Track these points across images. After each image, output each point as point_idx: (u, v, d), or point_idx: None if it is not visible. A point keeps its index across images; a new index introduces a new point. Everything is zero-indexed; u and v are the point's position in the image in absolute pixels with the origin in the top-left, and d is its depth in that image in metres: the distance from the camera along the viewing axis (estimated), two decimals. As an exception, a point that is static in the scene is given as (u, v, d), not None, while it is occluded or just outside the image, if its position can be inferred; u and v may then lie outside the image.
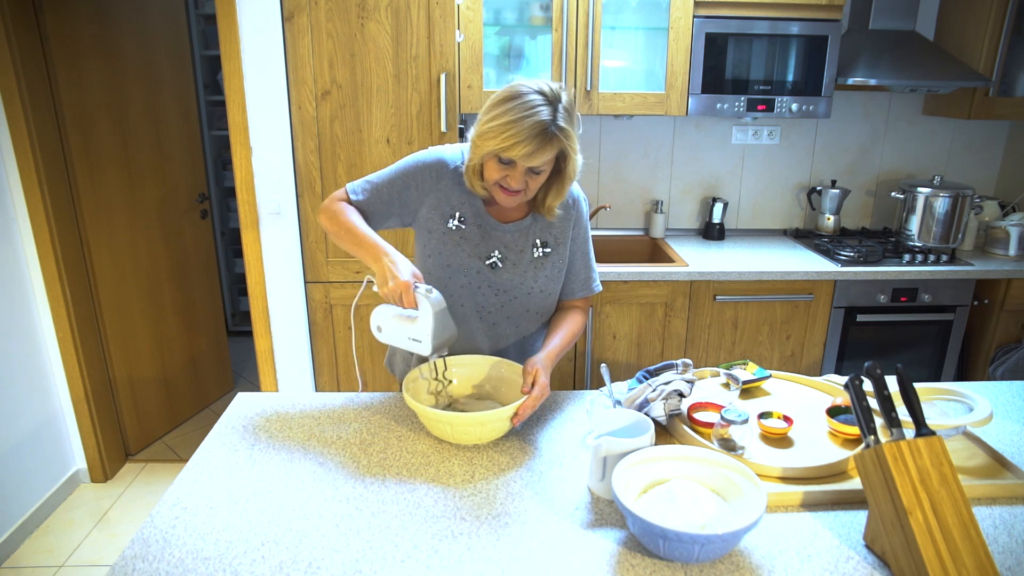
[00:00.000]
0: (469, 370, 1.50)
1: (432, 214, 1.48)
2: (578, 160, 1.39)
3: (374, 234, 1.40)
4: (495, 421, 1.30)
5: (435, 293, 1.31)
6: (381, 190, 1.50)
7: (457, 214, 1.48)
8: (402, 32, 2.31)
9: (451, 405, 1.48)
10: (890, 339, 2.72)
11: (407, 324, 1.35)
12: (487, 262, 1.49)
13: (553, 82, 1.35)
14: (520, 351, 1.59)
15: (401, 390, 1.56)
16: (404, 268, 1.31)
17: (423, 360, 1.53)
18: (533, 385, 1.35)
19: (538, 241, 1.51)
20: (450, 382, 1.48)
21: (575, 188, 1.56)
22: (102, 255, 2.80)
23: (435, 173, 1.48)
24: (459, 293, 1.50)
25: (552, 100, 1.31)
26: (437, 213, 1.48)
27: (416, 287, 1.30)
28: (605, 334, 2.60)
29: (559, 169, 1.41)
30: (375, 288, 1.35)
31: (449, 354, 1.43)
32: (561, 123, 1.31)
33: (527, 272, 1.51)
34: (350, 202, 1.49)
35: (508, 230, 1.50)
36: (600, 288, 1.64)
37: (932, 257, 2.69)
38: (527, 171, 1.35)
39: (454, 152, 1.50)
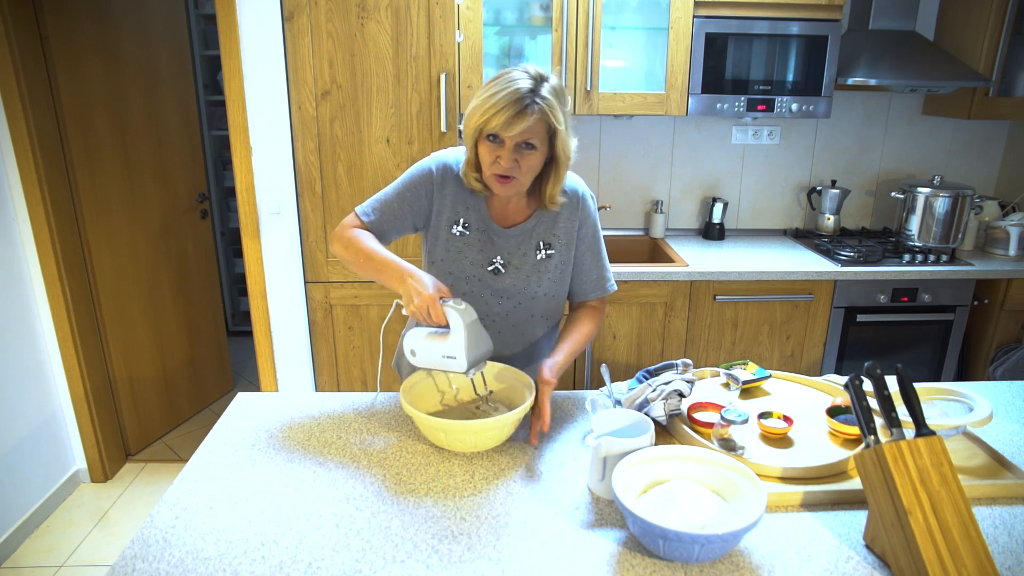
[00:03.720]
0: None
1: (439, 220, 1.48)
2: (572, 142, 1.38)
3: (394, 256, 1.37)
4: (490, 430, 1.28)
5: (464, 304, 1.28)
6: (392, 205, 1.48)
7: (461, 220, 1.47)
8: (402, 32, 2.31)
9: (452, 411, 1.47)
10: (890, 339, 2.72)
11: (440, 342, 1.30)
12: (489, 268, 1.48)
13: (543, 68, 1.35)
14: (527, 357, 1.58)
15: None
16: (429, 283, 1.30)
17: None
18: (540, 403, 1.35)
19: (541, 243, 1.50)
20: (491, 392, 1.44)
21: (581, 186, 1.54)
22: (102, 255, 2.80)
23: (440, 177, 1.47)
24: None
25: (535, 78, 1.31)
26: (444, 219, 1.47)
27: (444, 301, 1.28)
28: (605, 334, 2.60)
29: (553, 154, 1.39)
30: (404, 312, 1.33)
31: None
32: (544, 94, 1.30)
33: (530, 276, 1.50)
34: (363, 225, 1.47)
35: (511, 235, 1.49)
36: (615, 288, 1.60)
37: (932, 257, 2.69)
38: (516, 148, 1.33)
39: (457, 155, 1.49)
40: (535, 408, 1.36)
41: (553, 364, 1.41)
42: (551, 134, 1.35)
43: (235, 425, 1.43)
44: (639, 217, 3.12)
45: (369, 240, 1.43)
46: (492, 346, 1.36)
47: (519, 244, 1.49)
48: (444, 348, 1.30)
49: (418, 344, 1.34)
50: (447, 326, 1.29)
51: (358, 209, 1.50)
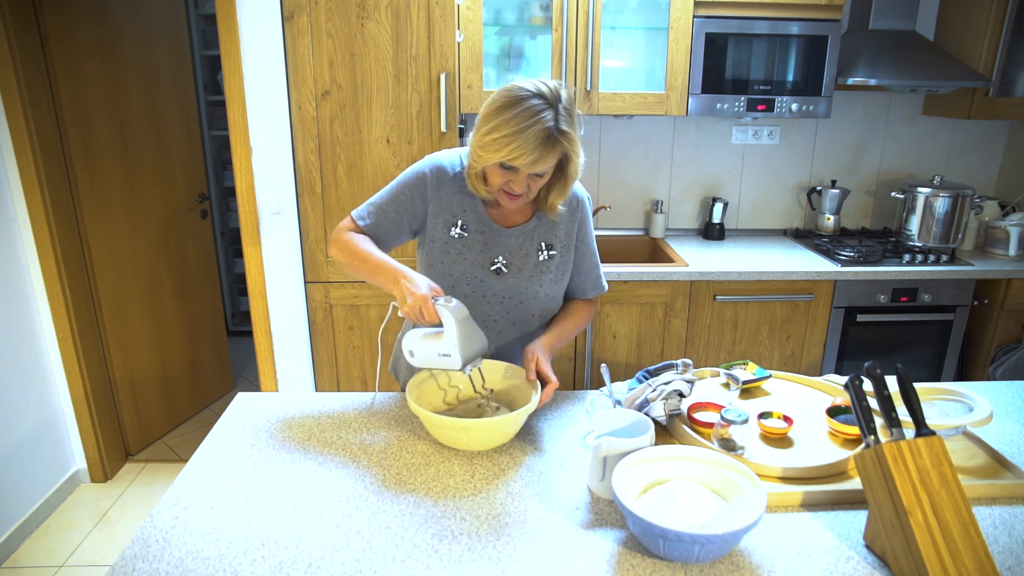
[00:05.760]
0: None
1: (435, 223, 1.48)
2: (580, 160, 1.39)
3: (389, 258, 1.39)
4: (503, 428, 1.29)
5: (455, 302, 1.30)
6: (387, 209, 1.48)
7: (459, 222, 1.47)
8: (402, 32, 2.31)
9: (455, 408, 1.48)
10: (890, 339, 2.72)
11: (435, 341, 1.32)
12: (491, 268, 1.49)
13: (551, 80, 1.34)
14: (523, 349, 1.59)
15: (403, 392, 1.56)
16: (422, 283, 1.31)
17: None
18: (539, 377, 1.38)
19: (543, 244, 1.51)
20: (491, 391, 1.46)
21: (579, 189, 1.55)
22: (102, 255, 2.80)
23: (436, 181, 1.47)
24: (463, 303, 1.49)
25: (552, 102, 1.30)
26: (440, 221, 1.48)
27: (436, 300, 1.29)
28: (605, 334, 2.60)
29: (561, 168, 1.40)
30: (400, 314, 1.34)
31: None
32: (563, 127, 1.30)
33: (532, 277, 1.50)
34: (358, 229, 1.48)
35: (512, 235, 1.49)
36: (607, 287, 1.66)
37: (932, 257, 2.69)
38: (530, 175, 1.35)
39: (452, 158, 1.50)
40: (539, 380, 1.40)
41: (542, 343, 1.46)
42: (565, 159, 1.37)
43: (235, 425, 1.43)
44: (639, 217, 3.12)
45: (365, 243, 1.43)
46: (487, 342, 1.37)
47: (520, 244, 1.49)
48: (439, 347, 1.31)
49: (415, 345, 1.35)
50: (441, 325, 1.30)
51: (353, 213, 1.50)
